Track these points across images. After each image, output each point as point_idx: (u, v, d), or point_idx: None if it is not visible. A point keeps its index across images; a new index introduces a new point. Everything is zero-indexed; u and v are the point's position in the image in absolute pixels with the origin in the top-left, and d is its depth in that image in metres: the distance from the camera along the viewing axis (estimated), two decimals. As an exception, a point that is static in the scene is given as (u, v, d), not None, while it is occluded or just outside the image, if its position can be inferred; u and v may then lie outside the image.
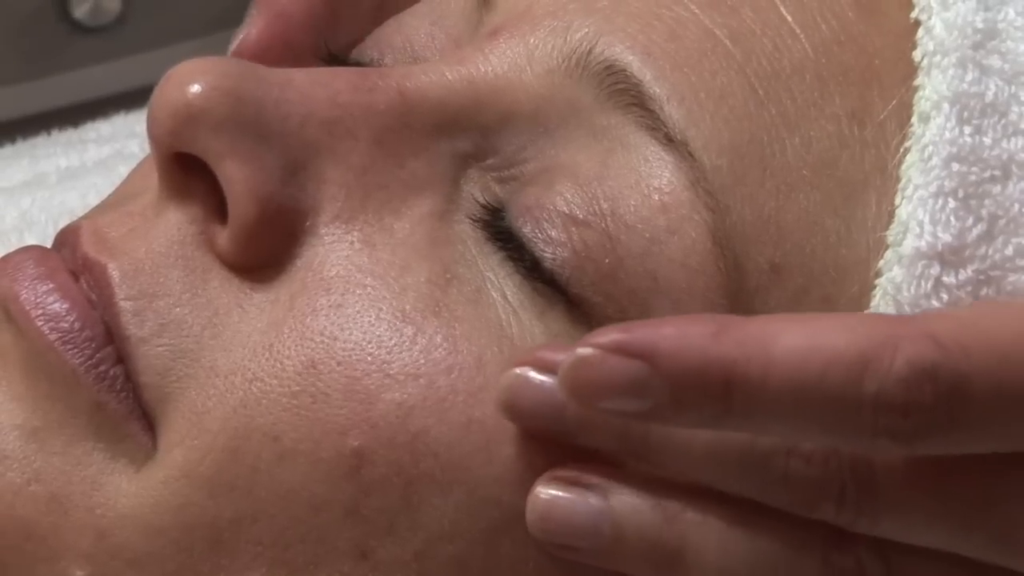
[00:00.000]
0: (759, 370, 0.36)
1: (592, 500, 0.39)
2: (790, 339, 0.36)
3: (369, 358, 0.40)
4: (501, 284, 0.41)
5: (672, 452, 0.39)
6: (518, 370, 0.39)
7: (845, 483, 0.37)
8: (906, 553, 0.38)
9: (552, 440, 0.39)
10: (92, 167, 0.73)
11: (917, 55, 0.42)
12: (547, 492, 0.39)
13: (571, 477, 0.39)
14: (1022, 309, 0.37)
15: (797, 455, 0.37)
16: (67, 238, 0.43)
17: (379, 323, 0.40)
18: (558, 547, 0.39)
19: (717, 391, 0.36)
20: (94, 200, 0.58)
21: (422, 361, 0.40)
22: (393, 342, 0.40)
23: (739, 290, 0.41)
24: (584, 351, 0.37)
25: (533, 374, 0.39)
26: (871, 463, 0.37)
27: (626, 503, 0.39)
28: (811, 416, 0.36)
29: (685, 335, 0.36)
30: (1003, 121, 0.41)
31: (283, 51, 0.48)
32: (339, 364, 0.40)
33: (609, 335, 0.37)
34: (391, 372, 0.40)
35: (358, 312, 0.40)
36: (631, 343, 0.36)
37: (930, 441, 0.36)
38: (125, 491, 0.41)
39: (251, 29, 0.47)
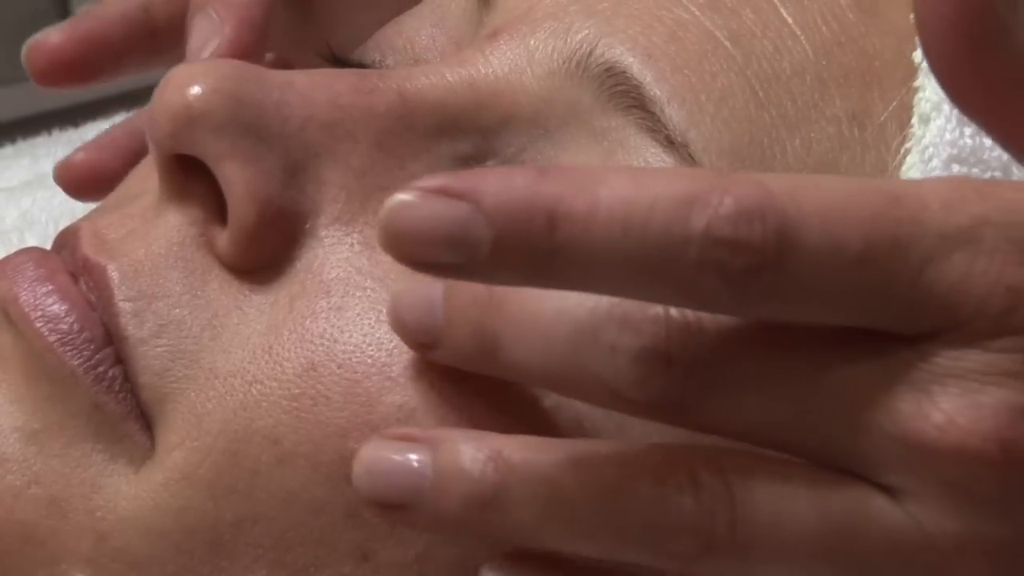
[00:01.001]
0: (585, 205, 0.34)
1: (414, 456, 0.37)
2: (617, 179, 0.34)
3: (369, 360, 0.40)
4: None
5: (512, 334, 0.37)
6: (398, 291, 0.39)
7: (672, 355, 0.35)
8: (743, 468, 0.36)
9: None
10: (92, 167, 0.73)
11: (917, 56, 0.42)
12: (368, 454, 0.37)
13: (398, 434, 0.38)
14: (860, 181, 0.35)
15: (628, 327, 0.35)
16: (67, 240, 0.43)
17: (379, 326, 0.40)
18: (383, 506, 0.37)
19: (541, 227, 0.33)
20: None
21: (422, 363, 0.40)
22: (393, 345, 0.40)
23: None
24: (403, 195, 0.34)
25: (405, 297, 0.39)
26: (701, 332, 0.35)
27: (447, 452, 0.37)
28: (637, 257, 0.34)
29: (510, 176, 0.34)
30: (1003, 122, 0.41)
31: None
32: (339, 367, 0.40)
33: (432, 180, 0.34)
34: (392, 375, 0.40)
35: (358, 315, 0.40)
36: (453, 185, 0.34)
37: (758, 286, 0.34)
38: (125, 493, 0.41)
39: (220, 41, 0.47)
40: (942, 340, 0.35)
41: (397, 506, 0.37)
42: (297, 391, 0.40)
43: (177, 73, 0.42)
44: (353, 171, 0.42)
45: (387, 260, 0.41)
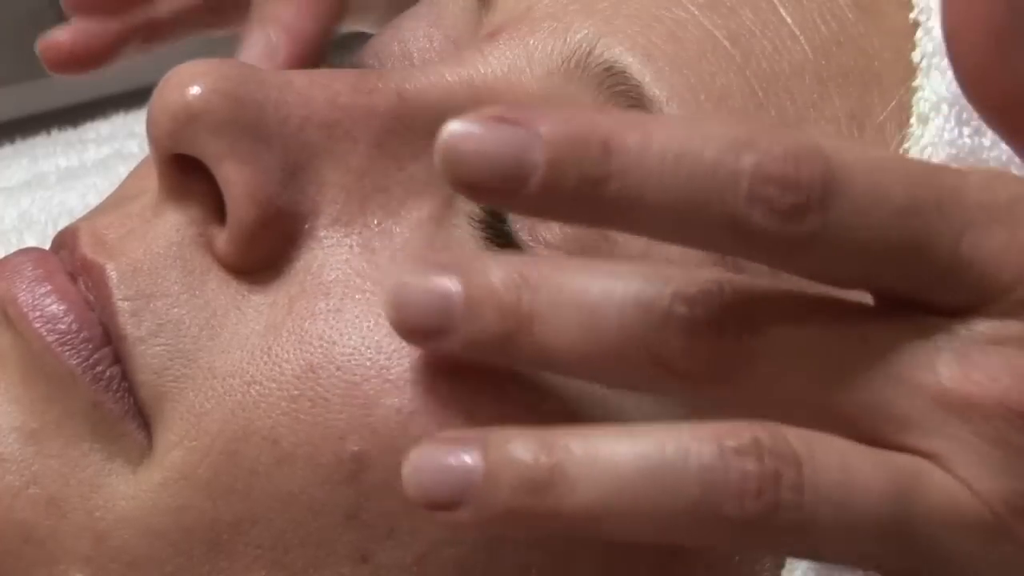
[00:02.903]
0: (640, 136, 0.34)
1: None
2: (673, 119, 0.35)
3: (368, 363, 0.40)
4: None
5: (553, 312, 0.36)
6: (401, 276, 0.38)
7: (724, 323, 0.35)
8: (803, 437, 0.36)
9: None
10: (92, 167, 0.73)
11: (916, 56, 0.42)
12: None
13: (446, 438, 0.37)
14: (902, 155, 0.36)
15: (680, 298, 0.35)
16: (65, 240, 0.43)
17: (378, 329, 0.40)
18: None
19: (595, 153, 0.34)
20: (94, 200, 0.58)
21: (422, 367, 0.40)
22: (393, 348, 0.40)
23: None
24: (461, 122, 0.35)
25: (414, 278, 0.38)
26: (752, 300, 0.36)
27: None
28: (687, 189, 0.34)
29: (567, 109, 0.36)
30: (1003, 122, 0.41)
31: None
32: (338, 369, 0.40)
33: (490, 109, 0.35)
34: (390, 378, 0.40)
35: (357, 317, 0.40)
36: (511, 112, 0.35)
37: (804, 227, 0.34)
38: (123, 493, 0.41)
39: (276, 58, 0.47)
40: (982, 311, 0.35)
41: (449, 505, 0.36)
42: (296, 392, 0.40)
43: (176, 73, 0.42)
44: (352, 172, 0.42)
45: (386, 263, 0.41)
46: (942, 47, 0.42)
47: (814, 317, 0.36)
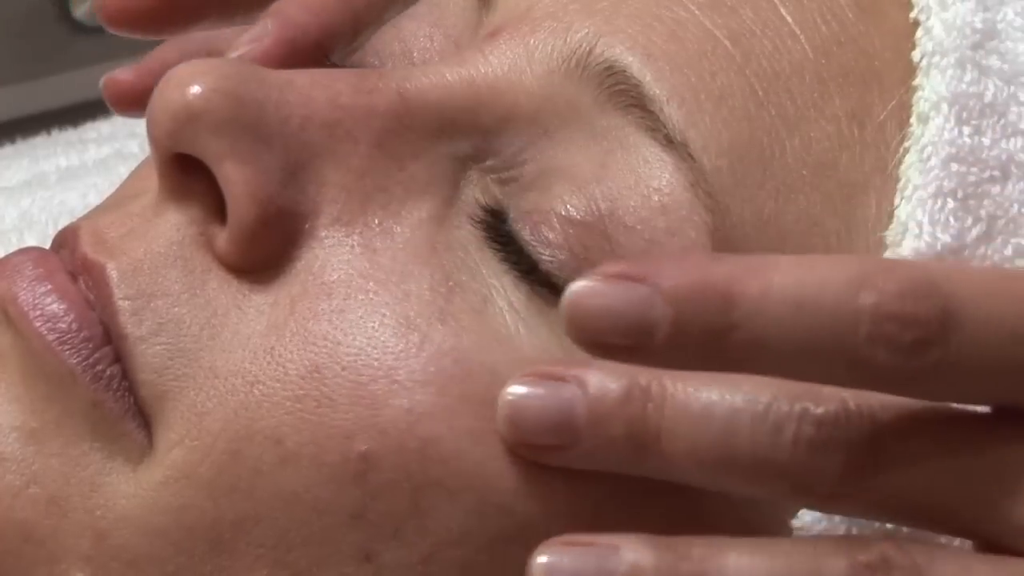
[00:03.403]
0: (759, 284, 0.36)
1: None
2: (786, 263, 0.36)
3: (375, 363, 0.40)
4: (506, 291, 0.41)
5: (683, 428, 0.38)
6: (513, 387, 0.39)
7: (851, 440, 0.37)
8: (925, 551, 0.38)
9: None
10: (92, 167, 0.73)
11: (916, 55, 0.42)
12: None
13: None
14: (1006, 269, 0.38)
15: (807, 418, 0.37)
16: (66, 239, 0.43)
17: (383, 329, 0.40)
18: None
19: (717, 306, 0.36)
20: (94, 200, 0.58)
21: (432, 369, 0.40)
22: (400, 348, 0.40)
23: None
24: (585, 281, 0.36)
25: (531, 388, 0.39)
26: (873, 416, 0.37)
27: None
28: (810, 334, 0.36)
29: (683, 260, 0.37)
30: (1002, 121, 0.42)
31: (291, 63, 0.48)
32: (344, 369, 0.40)
33: (611, 267, 0.36)
34: (398, 378, 0.40)
35: (361, 318, 0.40)
36: (632, 269, 0.36)
37: (926, 360, 0.36)
38: (124, 492, 0.41)
39: (264, 40, 0.47)
40: None
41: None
42: (301, 392, 0.40)
43: (177, 72, 0.42)
44: (353, 171, 0.42)
45: (387, 263, 0.41)
46: (942, 46, 0.42)
47: (937, 429, 0.37)
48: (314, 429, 0.40)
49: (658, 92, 0.42)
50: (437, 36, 0.47)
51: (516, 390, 0.39)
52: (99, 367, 0.41)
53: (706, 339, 0.36)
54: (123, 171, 0.54)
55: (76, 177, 0.71)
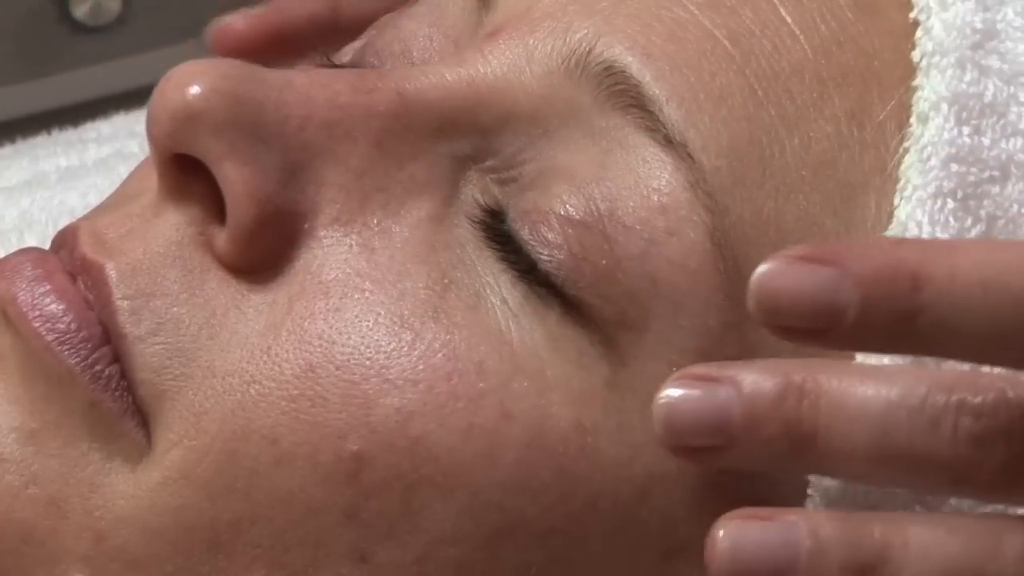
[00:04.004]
0: (947, 266, 0.36)
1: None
2: (970, 245, 0.36)
3: (368, 363, 0.40)
4: (500, 288, 0.41)
5: (839, 425, 0.37)
6: (668, 390, 0.38)
7: (1013, 430, 0.36)
8: None
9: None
10: (92, 167, 0.73)
11: (916, 55, 0.42)
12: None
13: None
14: None
15: (967, 409, 0.37)
16: (65, 239, 0.43)
17: (377, 328, 0.40)
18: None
19: (906, 288, 0.36)
20: (94, 200, 0.58)
21: (421, 367, 0.40)
22: (392, 347, 0.40)
23: (739, 292, 0.40)
24: (772, 264, 0.36)
25: (686, 390, 0.38)
26: None
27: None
28: (997, 316, 0.36)
29: (869, 243, 0.37)
30: (1002, 121, 0.41)
31: (272, 45, 0.48)
32: (337, 368, 0.40)
33: (794, 249, 0.37)
34: (390, 377, 0.40)
35: (356, 317, 0.40)
36: (818, 252, 0.36)
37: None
38: (123, 492, 0.41)
39: (240, 18, 0.47)
40: None
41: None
42: (296, 392, 0.40)
43: (177, 72, 0.42)
44: (352, 171, 0.42)
45: (385, 262, 0.41)
46: (942, 46, 0.42)
47: None
48: (308, 429, 0.40)
49: (657, 92, 0.42)
50: (437, 36, 0.47)
51: (671, 393, 0.38)
52: (98, 367, 0.41)
53: (893, 323, 0.36)
54: (123, 171, 0.54)
55: (76, 177, 0.71)
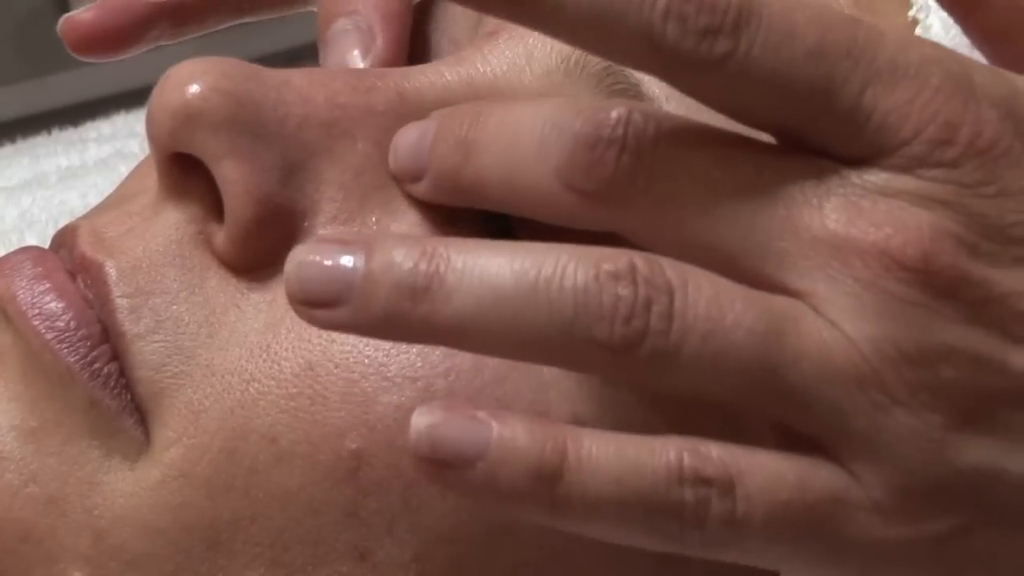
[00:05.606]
0: None
1: (348, 257, 0.36)
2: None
3: (366, 361, 0.40)
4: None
5: (487, 140, 0.38)
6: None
7: (626, 143, 0.36)
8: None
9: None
10: (92, 166, 0.73)
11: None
12: (297, 259, 0.37)
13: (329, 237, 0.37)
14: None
15: (584, 115, 0.36)
16: (65, 238, 0.43)
17: None
18: (312, 303, 0.37)
19: None
20: (94, 199, 0.58)
21: (419, 364, 0.40)
22: (390, 345, 0.40)
23: None
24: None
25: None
26: (657, 123, 0.36)
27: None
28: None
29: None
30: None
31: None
32: (336, 366, 0.40)
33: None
34: (388, 375, 0.40)
35: None
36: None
37: (715, 49, 0.35)
38: (122, 491, 0.41)
39: (377, 40, 0.46)
40: (878, 163, 0.36)
41: (328, 303, 0.36)
42: (295, 390, 0.40)
43: (176, 71, 0.42)
44: (351, 170, 0.42)
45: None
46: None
47: (713, 142, 0.36)
48: (307, 427, 0.40)
49: (657, 91, 0.42)
50: (436, 35, 0.47)
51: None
52: (97, 364, 0.41)
53: None
54: (123, 170, 0.54)
55: (76, 177, 0.71)
